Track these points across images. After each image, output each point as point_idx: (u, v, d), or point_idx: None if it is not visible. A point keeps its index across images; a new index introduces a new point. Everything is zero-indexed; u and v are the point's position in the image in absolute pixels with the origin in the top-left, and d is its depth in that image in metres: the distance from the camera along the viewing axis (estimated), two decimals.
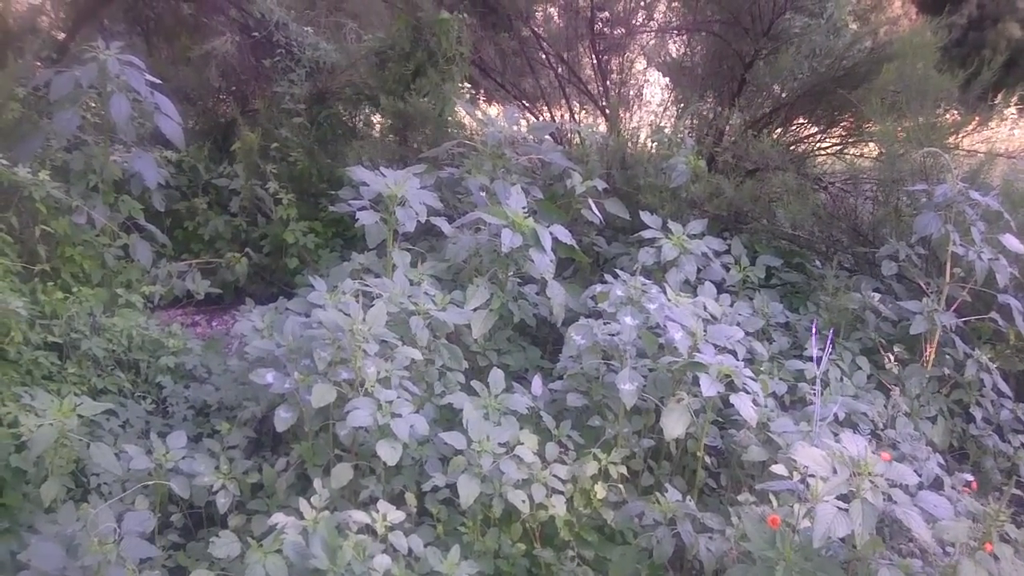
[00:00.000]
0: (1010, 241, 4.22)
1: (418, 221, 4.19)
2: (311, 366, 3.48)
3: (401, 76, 5.56)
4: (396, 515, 3.06)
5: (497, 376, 3.66)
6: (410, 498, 3.33)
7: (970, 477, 3.69)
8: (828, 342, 3.66)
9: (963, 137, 5.56)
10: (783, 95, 5.92)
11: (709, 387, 3.38)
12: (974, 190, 4.34)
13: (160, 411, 4.15)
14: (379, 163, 4.92)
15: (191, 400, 4.12)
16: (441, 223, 4.32)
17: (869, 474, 2.62)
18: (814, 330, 3.75)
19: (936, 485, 3.66)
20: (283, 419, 3.44)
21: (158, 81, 4.58)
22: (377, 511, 3.05)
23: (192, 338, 4.62)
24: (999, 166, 6.25)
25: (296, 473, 3.58)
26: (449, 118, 5.58)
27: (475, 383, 3.69)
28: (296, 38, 6.23)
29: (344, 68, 6.12)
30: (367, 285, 3.85)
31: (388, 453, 3.25)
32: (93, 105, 4.65)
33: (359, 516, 3.02)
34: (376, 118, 6.36)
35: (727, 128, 5.90)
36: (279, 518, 3.00)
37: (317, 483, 3.18)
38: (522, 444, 3.36)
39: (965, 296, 4.34)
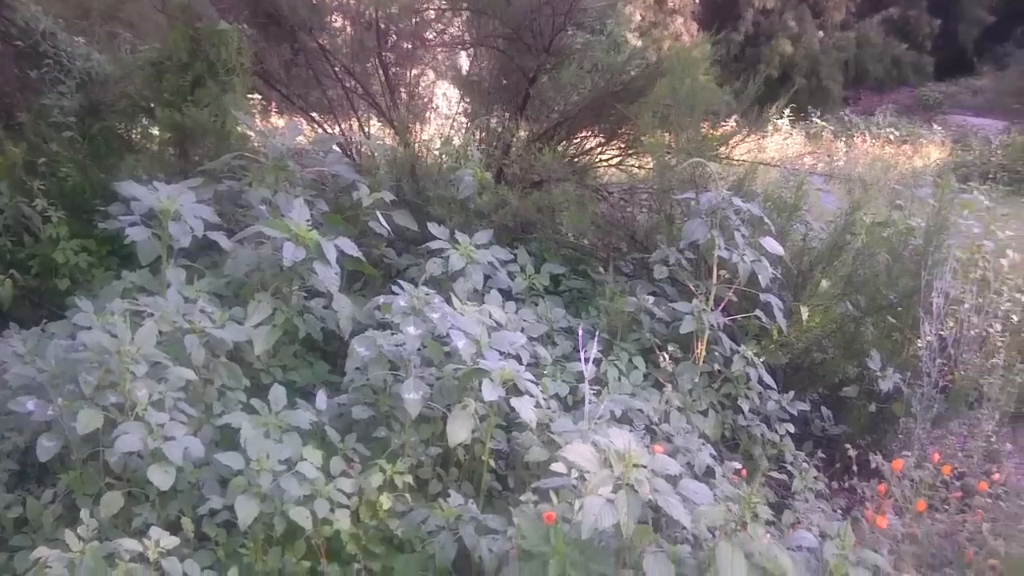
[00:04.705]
0: (770, 244, 4.53)
1: (195, 236, 4.07)
2: (77, 391, 3.30)
3: (179, 87, 5.35)
4: (170, 540, 2.94)
5: (278, 392, 3.60)
6: (187, 523, 3.20)
7: (739, 465, 3.94)
8: (594, 342, 3.81)
9: (733, 148, 5.93)
10: (567, 109, 6.10)
11: (491, 392, 3.45)
12: (738, 197, 4.63)
13: None
14: (158, 177, 4.72)
15: None
16: (219, 237, 4.20)
17: (634, 466, 2.74)
18: (581, 333, 3.90)
19: (708, 474, 3.88)
20: (46, 448, 3.24)
21: None
22: (150, 538, 2.93)
23: None
24: (772, 174, 6.72)
25: (64, 504, 3.39)
26: (235, 130, 5.43)
27: (255, 401, 3.60)
28: (65, 48, 5.89)
29: (119, 79, 5.84)
30: (138, 304, 3.69)
31: (160, 478, 3.14)
32: None
33: (130, 544, 2.88)
34: (155, 131, 6.11)
35: (514, 141, 6.04)
36: (43, 551, 2.84)
37: (84, 513, 3.02)
38: (305, 460, 3.31)
39: (731, 296, 4.62)
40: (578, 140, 6.46)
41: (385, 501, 3.43)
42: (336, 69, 6.06)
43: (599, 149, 6.41)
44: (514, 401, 3.52)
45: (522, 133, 6.17)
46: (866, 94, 26.78)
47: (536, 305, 4.82)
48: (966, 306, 5.24)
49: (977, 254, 5.86)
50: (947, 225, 5.31)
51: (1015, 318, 6.01)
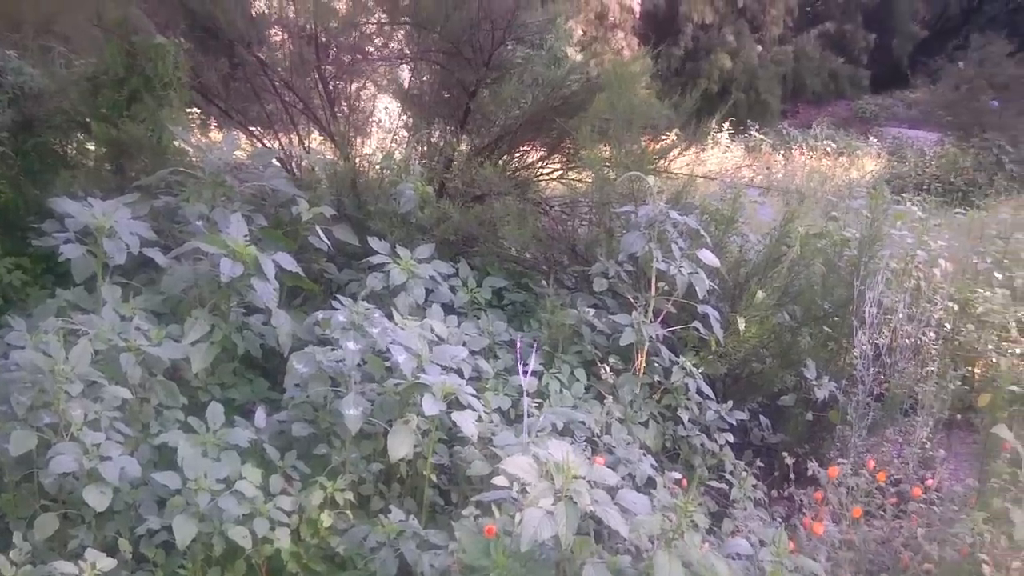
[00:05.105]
0: (706, 256, 4.60)
1: (131, 253, 4.03)
2: (9, 412, 3.24)
3: (115, 102, 5.29)
4: (107, 563, 2.90)
5: (216, 410, 3.57)
6: (124, 544, 3.17)
7: (679, 475, 3.98)
8: (532, 354, 3.84)
9: (671, 161, 6.00)
10: (508, 123, 6.13)
11: (431, 406, 3.46)
12: (676, 210, 4.70)
13: None
14: (94, 194, 4.65)
15: None
16: (155, 254, 4.15)
17: (573, 477, 2.77)
18: (519, 347, 3.92)
19: (649, 484, 3.92)
20: None
21: None
22: (86, 560, 2.89)
23: None
24: (713, 186, 6.81)
25: None
26: (172, 145, 5.37)
27: (193, 419, 3.57)
28: None
29: (53, 94, 5.74)
30: (73, 323, 3.64)
31: (96, 499, 3.10)
32: None
33: (65, 567, 2.85)
34: (91, 146, 6.02)
35: (456, 155, 6.05)
36: None
37: (18, 536, 2.98)
38: (244, 479, 3.29)
39: (670, 308, 4.68)
40: (520, 154, 6.49)
41: (326, 519, 3.41)
42: (275, 83, 6.03)
43: (541, 163, 6.45)
44: (455, 415, 3.53)
45: (464, 147, 6.19)
46: (804, 107, 27.31)
47: (478, 319, 4.83)
48: (900, 315, 5.36)
49: (910, 264, 6.00)
50: (880, 236, 5.43)
51: (948, 326, 6.17)
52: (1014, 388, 4.66)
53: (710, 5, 25.28)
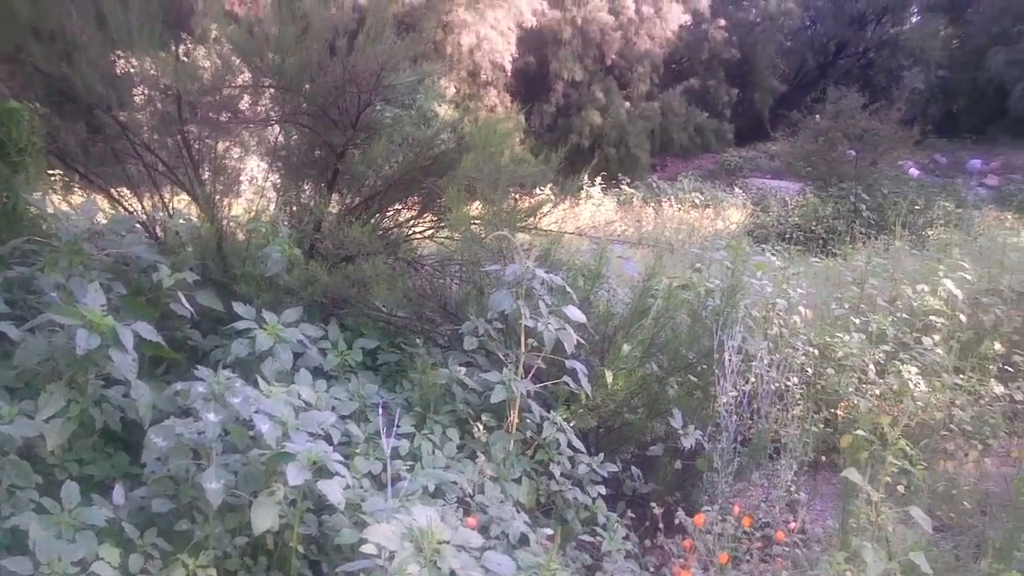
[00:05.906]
0: (572, 312, 4.70)
1: None
2: None
3: None
4: None
5: (71, 489, 3.42)
6: None
7: (551, 531, 4.01)
8: (396, 416, 3.84)
9: (541, 217, 6.12)
10: (377, 183, 6.14)
11: (296, 475, 3.40)
12: (543, 268, 4.79)
13: None
14: None
15: None
16: (8, 327, 3.98)
17: (437, 542, 2.77)
18: (381, 410, 3.92)
19: (523, 542, 3.94)
20: None
21: None
22: None
23: None
24: (586, 241, 6.96)
25: None
26: (29, 212, 5.19)
27: (47, 499, 3.41)
28: None
29: None
30: None
31: None
32: None
33: None
34: None
35: (325, 215, 6.02)
36: None
37: None
38: (101, 559, 3.17)
39: (540, 364, 4.75)
40: (391, 212, 6.49)
41: None
42: (137, 145, 5.89)
43: (412, 221, 6.47)
44: (321, 484, 3.48)
45: (333, 207, 6.16)
46: (672, 160, 28.33)
47: (349, 381, 4.79)
48: (763, 362, 5.57)
49: (771, 312, 6.27)
50: (741, 286, 5.66)
51: (810, 371, 6.44)
52: (860, 432, 4.89)
53: (579, 63, 26.05)
